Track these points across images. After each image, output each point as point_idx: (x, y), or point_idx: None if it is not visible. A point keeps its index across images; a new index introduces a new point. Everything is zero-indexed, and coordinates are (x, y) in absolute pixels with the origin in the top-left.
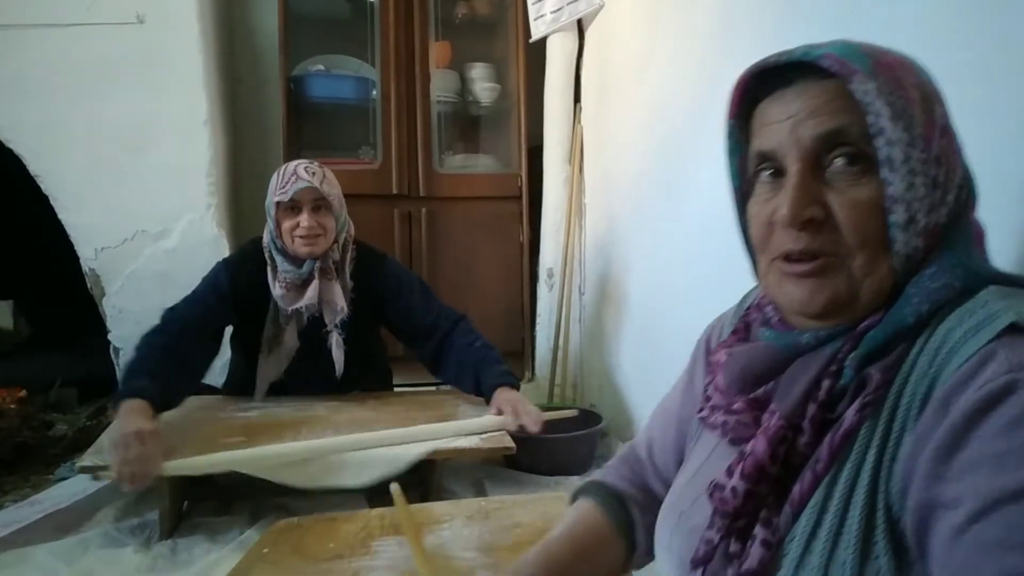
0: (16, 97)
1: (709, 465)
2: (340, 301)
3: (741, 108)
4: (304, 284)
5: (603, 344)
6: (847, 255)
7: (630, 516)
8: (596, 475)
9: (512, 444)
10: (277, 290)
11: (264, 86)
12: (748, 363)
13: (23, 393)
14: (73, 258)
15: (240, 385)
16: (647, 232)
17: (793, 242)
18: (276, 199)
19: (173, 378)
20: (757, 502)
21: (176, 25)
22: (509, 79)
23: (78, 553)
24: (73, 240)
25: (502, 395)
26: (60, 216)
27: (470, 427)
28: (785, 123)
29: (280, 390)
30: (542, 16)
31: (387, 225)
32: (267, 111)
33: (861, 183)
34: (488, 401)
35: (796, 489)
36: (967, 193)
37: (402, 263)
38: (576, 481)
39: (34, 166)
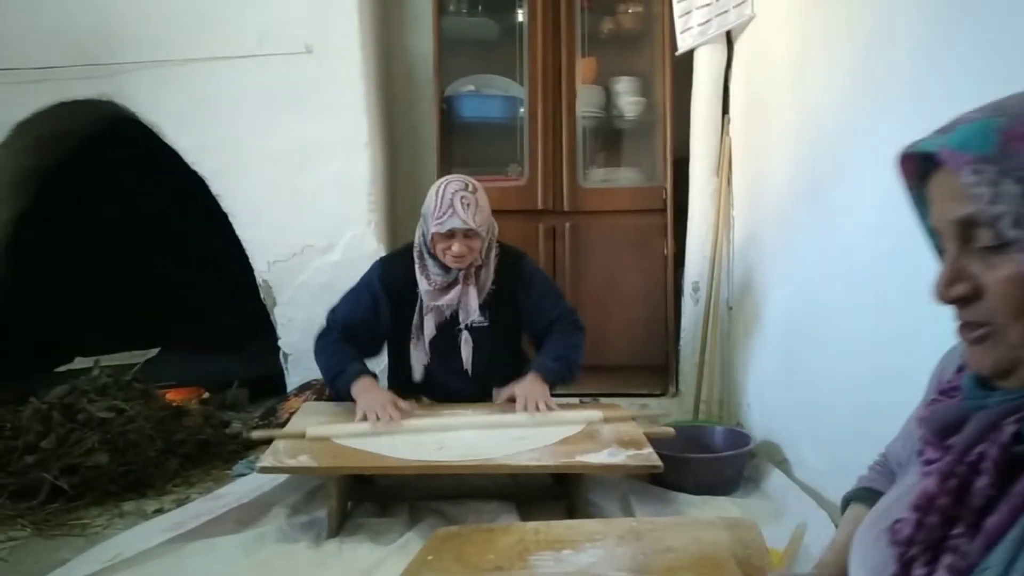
0: (201, 124)
1: (903, 499)
2: (474, 305)
3: (915, 180)
4: (449, 286)
5: (751, 362)
6: (1003, 326)
7: None
8: (862, 480)
9: (659, 463)
10: (424, 286)
11: (418, 106)
12: (942, 419)
13: (205, 394)
14: (246, 270)
15: (398, 367)
16: (798, 247)
17: (955, 314)
18: (433, 229)
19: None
20: (928, 532)
21: (340, 53)
22: (655, 92)
23: (256, 546)
24: (248, 254)
25: (522, 382)
26: (237, 232)
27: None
28: (935, 205)
29: (430, 374)
30: (689, 29)
31: (531, 240)
32: (421, 130)
33: (1004, 260)
34: None
35: (991, 521)
36: None
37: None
38: (723, 501)
39: (215, 186)
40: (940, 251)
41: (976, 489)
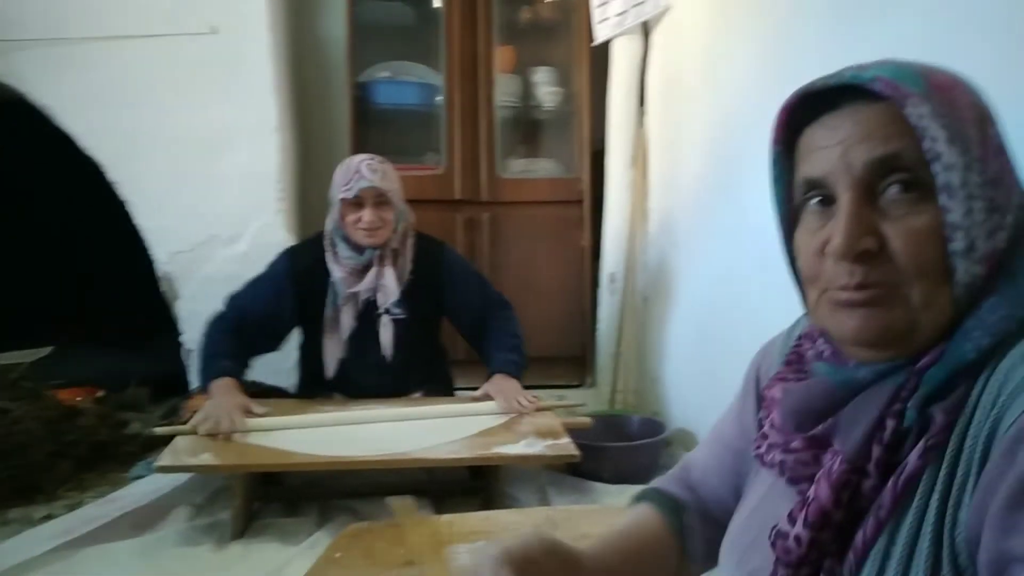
0: (98, 106)
1: (767, 505)
2: (392, 286)
3: (785, 134)
4: (364, 270)
5: (666, 351)
6: (904, 286)
7: (686, 522)
8: (655, 482)
9: (577, 452)
10: (338, 273)
11: (331, 93)
12: (804, 400)
13: (100, 393)
14: (145, 261)
15: (310, 362)
16: (713, 238)
17: (847, 276)
18: (341, 195)
19: (242, 358)
20: (820, 550)
21: (248, 35)
22: (573, 83)
23: (154, 551)
24: (148, 244)
25: (493, 382)
26: (137, 221)
27: (463, 410)
28: (835, 148)
29: (346, 368)
30: (606, 19)
31: (449, 230)
32: (334, 117)
33: (917, 211)
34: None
35: (859, 536)
36: None
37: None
38: (639, 489)
39: (113, 172)
40: (788, 220)
41: (865, 496)
